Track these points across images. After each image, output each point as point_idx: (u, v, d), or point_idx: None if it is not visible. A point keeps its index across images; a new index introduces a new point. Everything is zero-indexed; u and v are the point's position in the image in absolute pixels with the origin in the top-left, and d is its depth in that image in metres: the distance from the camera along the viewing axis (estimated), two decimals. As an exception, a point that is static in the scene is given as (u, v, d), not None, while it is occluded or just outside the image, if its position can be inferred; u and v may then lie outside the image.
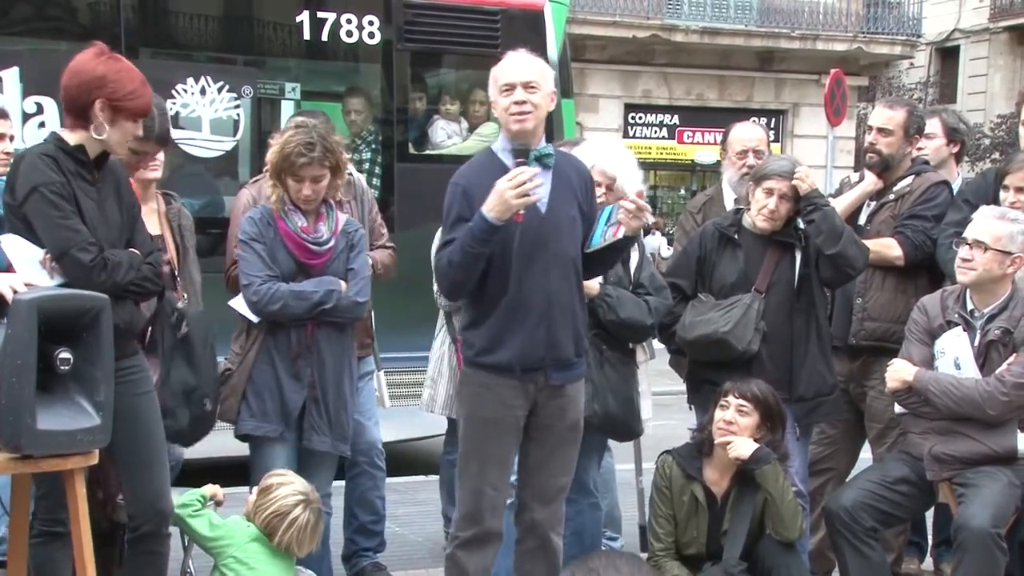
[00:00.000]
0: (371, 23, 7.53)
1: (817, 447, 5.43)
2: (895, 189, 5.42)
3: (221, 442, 4.77)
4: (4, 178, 4.24)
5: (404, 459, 7.44)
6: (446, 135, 7.88)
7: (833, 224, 4.82)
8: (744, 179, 5.31)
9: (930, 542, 5.77)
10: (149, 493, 4.00)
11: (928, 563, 5.76)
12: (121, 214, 3.93)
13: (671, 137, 23.84)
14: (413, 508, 6.70)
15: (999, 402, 4.57)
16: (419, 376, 5.87)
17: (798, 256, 4.92)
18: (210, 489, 4.28)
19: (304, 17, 7.38)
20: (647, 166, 20.33)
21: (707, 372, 4.94)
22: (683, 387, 5.27)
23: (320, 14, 7.39)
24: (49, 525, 3.93)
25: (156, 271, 4.00)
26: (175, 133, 6.78)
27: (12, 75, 6.61)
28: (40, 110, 6.62)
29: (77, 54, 3.86)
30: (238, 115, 7.21)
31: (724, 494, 4.66)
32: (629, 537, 5.74)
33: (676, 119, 23.69)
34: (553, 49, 7.91)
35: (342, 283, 4.58)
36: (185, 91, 7.00)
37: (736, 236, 4.96)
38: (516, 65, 4.12)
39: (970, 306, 4.77)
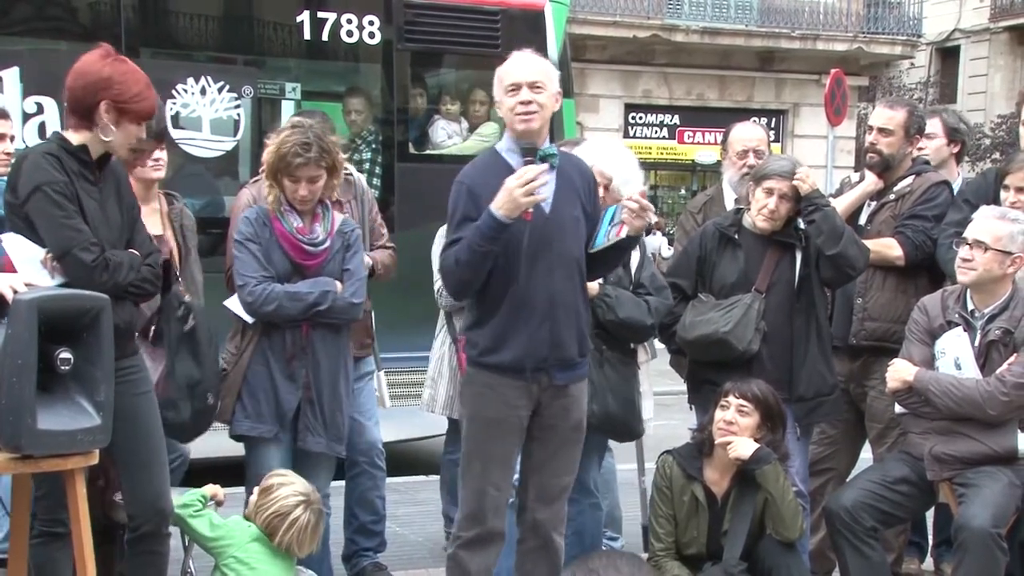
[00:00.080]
0: (371, 23, 7.52)
1: (817, 447, 5.42)
2: (895, 189, 5.42)
3: (222, 442, 4.77)
4: (4, 179, 4.24)
5: (404, 459, 7.44)
6: (446, 135, 7.88)
7: (834, 225, 4.81)
8: (744, 179, 5.31)
9: (930, 542, 5.77)
10: (149, 493, 4.00)
11: (928, 563, 5.76)
12: (122, 215, 3.93)
13: (671, 137, 23.84)
14: (413, 508, 6.70)
15: (999, 402, 4.57)
16: (419, 376, 5.87)
17: (798, 256, 4.92)
18: (211, 489, 4.29)
19: (304, 17, 7.38)
20: (647, 166, 20.32)
21: (707, 372, 4.94)
22: (683, 387, 5.27)
23: (320, 14, 7.39)
24: (49, 525, 3.92)
25: (155, 272, 4.00)
26: (176, 133, 6.82)
27: (12, 75, 6.61)
28: (40, 110, 6.61)
29: (78, 54, 3.86)
30: (238, 115, 7.20)
31: (724, 494, 4.66)
32: (631, 537, 5.74)
33: (676, 119, 23.68)
34: (553, 49, 7.90)
35: (337, 284, 4.58)
36: (185, 91, 7.00)
37: (736, 236, 4.96)
38: (522, 65, 4.12)
39: (971, 306, 4.77)
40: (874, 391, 5.32)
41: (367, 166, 7.48)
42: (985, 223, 4.70)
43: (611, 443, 5.18)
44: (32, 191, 3.70)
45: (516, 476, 4.32)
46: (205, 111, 7.07)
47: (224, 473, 4.83)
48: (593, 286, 4.62)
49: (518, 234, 3.99)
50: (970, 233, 4.70)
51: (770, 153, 5.65)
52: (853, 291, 5.33)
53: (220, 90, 7.10)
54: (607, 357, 4.75)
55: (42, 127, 6.54)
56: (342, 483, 5.31)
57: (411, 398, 6.24)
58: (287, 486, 4.23)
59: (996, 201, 5.07)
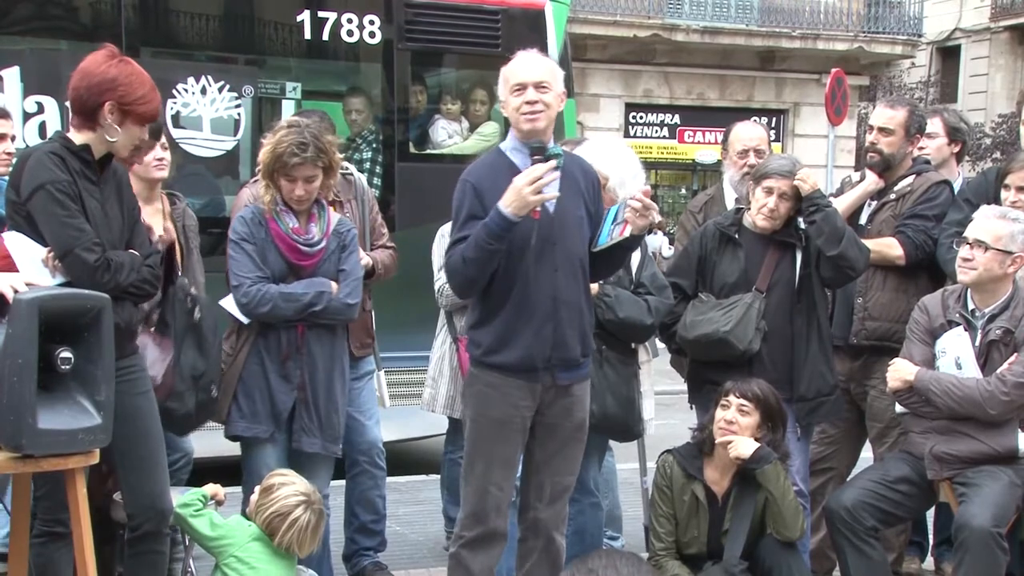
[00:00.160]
0: (372, 23, 7.52)
1: (818, 447, 5.42)
2: (896, 188, 5.42)
3: (222, 442, 4.77)
4: (5, 178, 4.24)
5: (404, 459, 7.44)
6: (447, 135, 7.87)
7: (835, 225, 4.81)
8: (745, 179, 5.31)
9: (931, 541, 5.78)
10: (148, 492, 4.00)
11: (929, 562, 5.76)
12: (122, 215, 3.93)
13: (672, 137, 23.83)
14: (414, 507, 6.70)
15: (1000, 402, 4.57)
16: (419, 376, 5.87)
17: (799, 256, 4.92)
18: (211, 489, 4.28)
19: (305, 17, 7.38)
20: (648, 166, 20.12)
21: (708, 372, 4.94)
22: (684, 387, 5.27)
23: (321, 13, 7.39)
24: (50, 525, 3.93)
25: (155, 273, 4.00)
26: (176, 133, 6.82)
27: (13, 75, 6.61)
28: (41, 110, 6.62)
29: (79, 54, 3.86)
30: (239, 115, 7.20)
31: (725, 494, 4.66)
32: (633, 537, 5.74)
33: (677, 119, 23.67)
34: (554, 49, 7.89)
35: (333, 284, 4.56)
36: (186, 91, 6.99)
37: (737, 235, 4.96)
38: (527, 65, 4.13)
39: (971, 306, 4.77)
40: (875, 391, 5.32)
41: (367, 166, 7.48)
42: (985, 223, 4.70)
43: (612, 443, 5.18)
44: (35, 190, 3.70)
45: (518, 475, 4.33)
46: (206, 111, 7.07)
47: (225, 473, 4.83)
48: (593, 286, 4.62)
49: (525, 232, 4.00)
50: (970, 233, 4.70)
51: (770, 152, 5.65)
52: (853, 291, 5.32)
53: (220, 90, 7.10)
54: (607, 357, 4.74)
55: (42, 127, 6.54)
56: (342, 483, 5.31)
57: (411, 398, 6.25)
58: (288, 486, 4.23)
59: (996, 200, 5.07)
